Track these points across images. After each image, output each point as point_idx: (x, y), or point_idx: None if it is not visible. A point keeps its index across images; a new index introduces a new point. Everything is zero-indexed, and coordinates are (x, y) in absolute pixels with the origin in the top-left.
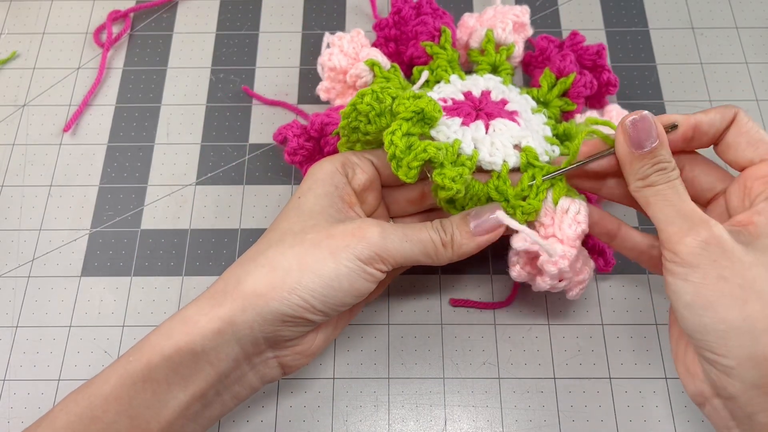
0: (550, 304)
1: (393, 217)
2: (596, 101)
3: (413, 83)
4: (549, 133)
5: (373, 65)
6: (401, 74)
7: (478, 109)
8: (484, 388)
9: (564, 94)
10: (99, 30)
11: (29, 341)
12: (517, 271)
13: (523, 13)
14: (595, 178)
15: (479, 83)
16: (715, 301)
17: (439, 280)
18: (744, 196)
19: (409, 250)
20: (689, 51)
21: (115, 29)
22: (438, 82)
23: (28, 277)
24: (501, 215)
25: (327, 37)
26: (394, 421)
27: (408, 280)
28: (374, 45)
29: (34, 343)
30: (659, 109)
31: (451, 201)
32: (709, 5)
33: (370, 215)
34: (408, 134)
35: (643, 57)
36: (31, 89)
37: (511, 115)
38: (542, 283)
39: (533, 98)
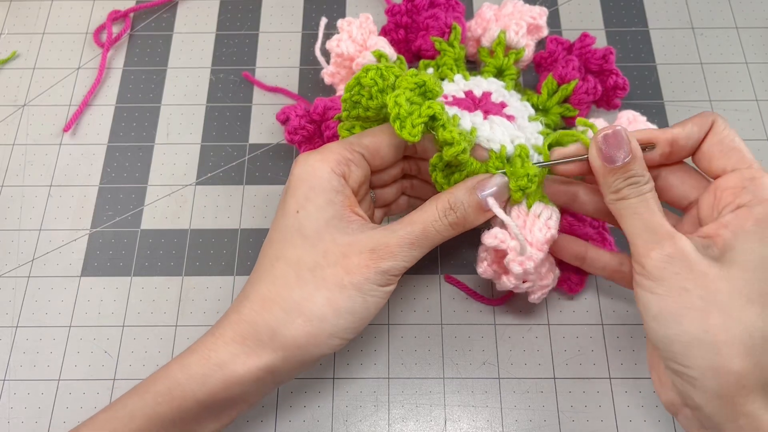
0: (550, 304)
1: (373, 187)
2: (605, 103)
3: None
4: (540, 142)
5: (380, 57)
6: (406, 67)
7: (477, 106)
8: (484, 388)
9: (566, 100)
10: (99, 30)
11: (29, 341)
12: (483, 268)
13: (541, 15)
14: (568, 191)
15: (482, 84)
16: (678, 313)
17: (439, 280)
18: (713, 206)
19: (419, 253)
20: (689, 51)
21: (115, 29)
22: (442, 79)
23: (28, 277)
24: (491, 202)
25: (323, 22)
26: (394, 421)
27: (408, 280)
28: (384, 29)
29: (34, 343)
30: (659, 109)
31: (447, 175)
32: (709, 5)
33: (359, 203)
34: (410, 101)
35: (643, 57)
36: (31, 89)
37: (508, 118)
38: (507, 282)
39: (533, 105)
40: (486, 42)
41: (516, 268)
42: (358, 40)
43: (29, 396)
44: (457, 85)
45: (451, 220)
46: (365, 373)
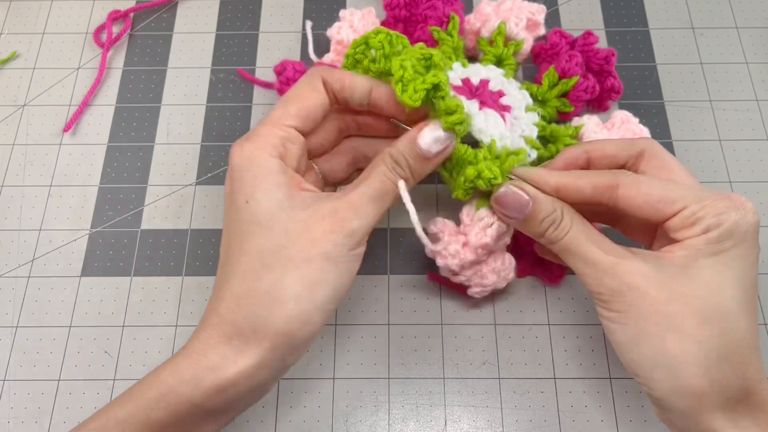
0: (550, 304)
1: (313, 157)
2: (597, 104)
3: None
4: (535, 134)
5: None
6: None
7: (474, 95)
8: (484, 388)
9: (564, 95)
10: (99, 30)
11: (29, 341)
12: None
13: (540, 12)
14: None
15: (480, 72)
16: (638, 340)
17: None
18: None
19: (382, 208)
20: (689, 51)
21: (115, 29)
22: None
23: (28, 277)
24: (401, 186)
25: (308, 25)
26: (394, 421)
27: (408, 280)
28: (383, 24)
29: (34, 343)
30: (659, 109)
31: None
32: (709, 5)
33: (304, 176)
34: (414, 68)
35: (643, 57)
36: (31, 89)
37: (503, 111)
38: (441, 270)
39: (532, 95)
40: (485, 33)
41: (438, 261)
42: (359, 29)
43: (29, 396)
44: (455, 72)
45: (401, 174)
46: (365, 373)
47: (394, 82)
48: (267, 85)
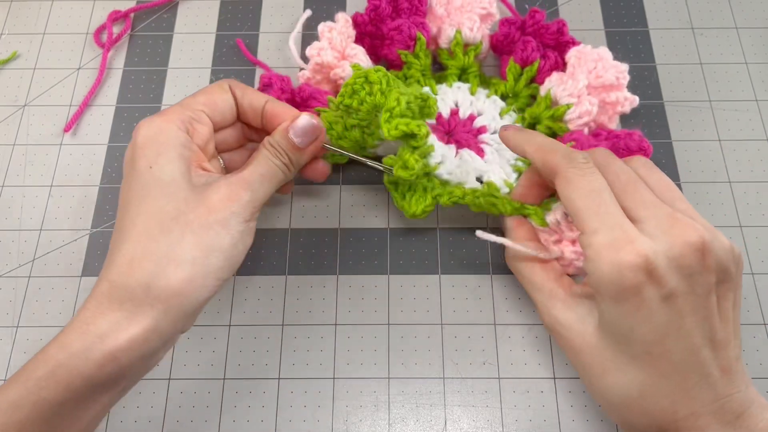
0: None
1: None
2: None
3: None
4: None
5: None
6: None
7: (448, 134)
8: (484, 388)
9: (532, 80)
10: (99, 30)
11: (29, 341)
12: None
13: (491, 3)
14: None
15: (448, 99)
16: (576, 368)
17: (439, 280)
18: None
19: (270, 189)
20: (689, 51)
21: (116, 29)
22: None
23: (29, 277)
24: (482, 234)
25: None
26: (394, 421)
27: (408, 280)
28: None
29: (34, 343)
30: (659, 109)
31: (393, 181)
32: (709, 5)
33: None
34: (409, 105)
35: (643, 57)
36: (32, 89)
37: (479, 133)
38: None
39: (502, 94)
40: (443, 43)
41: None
42: (338, 47)
43: None
44: None
45: (282, 160)
46: (365, 373)
47: (385, 109)
48: (256, 62)
